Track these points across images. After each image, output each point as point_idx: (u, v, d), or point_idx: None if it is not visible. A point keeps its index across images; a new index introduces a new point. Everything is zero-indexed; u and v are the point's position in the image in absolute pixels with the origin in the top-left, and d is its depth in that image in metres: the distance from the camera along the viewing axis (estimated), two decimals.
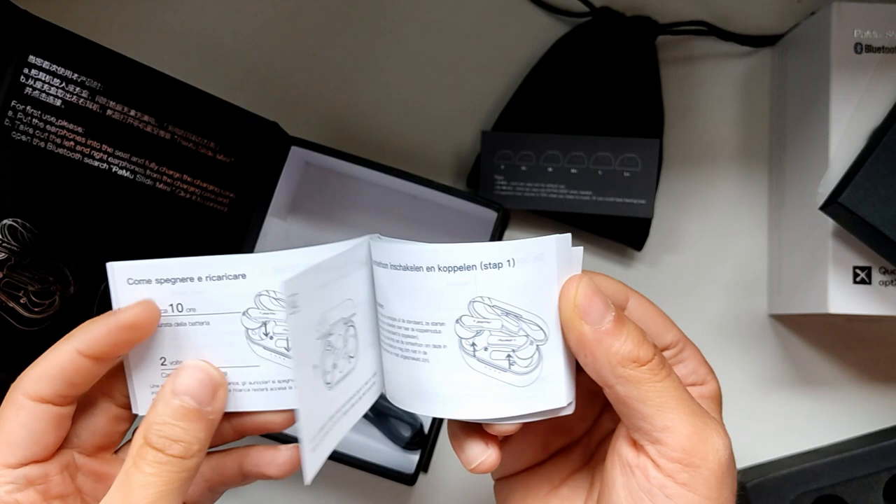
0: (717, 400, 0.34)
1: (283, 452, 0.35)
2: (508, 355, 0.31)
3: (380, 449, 0.51)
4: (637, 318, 0.33)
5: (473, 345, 0.31)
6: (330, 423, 0.31)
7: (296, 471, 0.35)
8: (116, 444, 0.35)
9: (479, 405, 0.31)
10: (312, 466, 0.30)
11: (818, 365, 0.54)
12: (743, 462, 0.53)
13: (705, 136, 0.55)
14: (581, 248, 0.31)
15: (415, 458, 0.50)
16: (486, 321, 0.30)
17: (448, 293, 0.30)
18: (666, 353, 0.33)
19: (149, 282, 0.32)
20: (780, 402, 0.54)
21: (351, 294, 0.33)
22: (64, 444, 0.33)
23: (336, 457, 0.48)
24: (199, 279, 0.32)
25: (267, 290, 0.32)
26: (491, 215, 0.48)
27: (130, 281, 0.32)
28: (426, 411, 0.32)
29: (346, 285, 0.32)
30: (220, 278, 0.32)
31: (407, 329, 0.32)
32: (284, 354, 0.33)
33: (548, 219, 0.54)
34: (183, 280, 0.32)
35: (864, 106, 0.45)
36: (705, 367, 0.34)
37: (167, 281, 0.32)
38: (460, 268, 0.30)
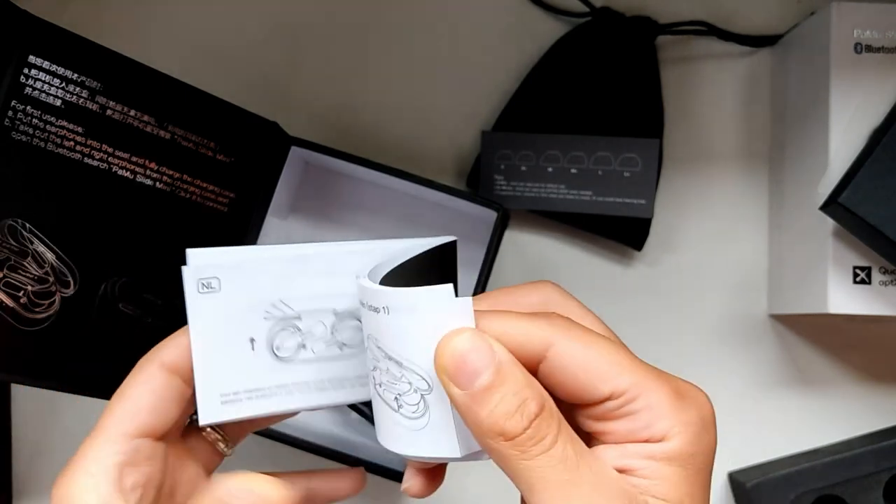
0: (679, 459, 0.28)
1: (349, 475, 0.36)
2: (396, 397, 0.30)
3: (380, 449, 0.51)
4: (558, 367, 0.28)
5: (373, 378, 0.31)
6: (268, 391, 0.34)
7: (361, 490, 0.37)
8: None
9: (386, 436, 0.31)
10: (211, 414, 0.32)
11: (818, 365, 0.54)
12: (743, 462, 0.54)
13: (705, 136, 0.55)
14: (469, 299, 0.28)
15: None
16: (377, 360, 0.30)
17: (363, 319, 0.31)
18: (605, 406, 0.28)
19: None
20: (780, 402, 0.54)
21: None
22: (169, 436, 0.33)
23: (336, 457, 0.48)
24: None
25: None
26: (491, 215, 0.48)
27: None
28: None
29: (345, 282, 0.34)
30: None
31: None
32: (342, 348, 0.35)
33: (548, 219, 0.54)
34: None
35: (864, 106, 0.45)
36: (670, 419, 0.28)
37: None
38: (360, 301, 0.30)
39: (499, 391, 0.27)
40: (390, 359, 0.29)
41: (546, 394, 0.28)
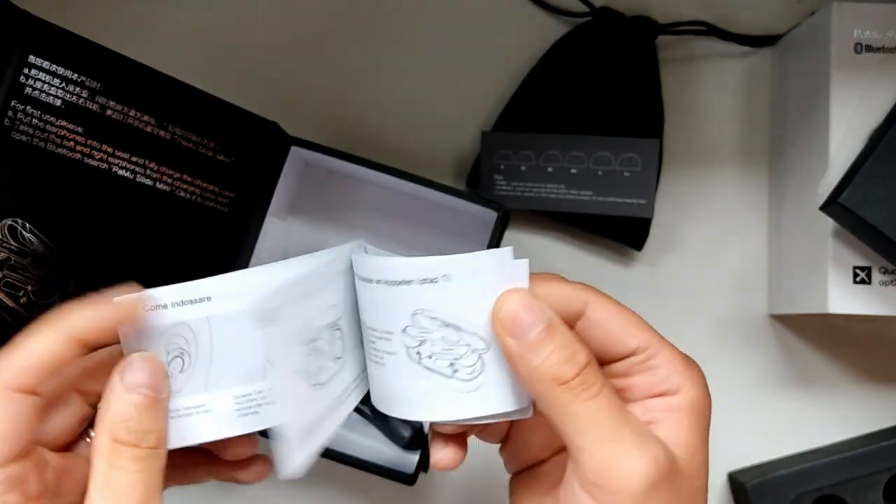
0: (694, 411, 0.32)
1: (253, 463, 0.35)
2: (451, 363, 0.32)
3: (380, 449, 0.51)
4: (594, 323, 0.32)
5: (419, 353, 0.32)
6: (317, 422, 0.32)
7: (265, 477, 0.36)
8: (76, 442, 0.34)
9: (430, 408, 0.33)
10: (299, 461, 0.31)
11: (818, 365, 0.54)
12: (743, 462, 0.53)
13: (705, 136, 0.55)
14: (525, 261, 0.31)
15: (415, 458, 0.50)
16: (428, 332, 0.32)
17: (394, 305, 0.32)
18: (630, 361, 0.32)
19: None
20: (780, 402, 0.54)
21: (335, 300, 0.34)
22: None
23: (336, 457, 0.48)
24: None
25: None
26: (491, 215, 0.48)
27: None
28: (390, 412, 0.34)
29: (330, 292, 0.33)
30: None
31: (370, 335, 0.34)
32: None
33: (548, 219, 0.54)
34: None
35: (864, 106, 0.45)
36: (682, 374, 0.32)
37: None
38: (400, 282, 0.31)
39: (551, 342, 0.30)
40: (448, 325, 0.31)
41: (589, 351, 0.31)
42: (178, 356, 0.32)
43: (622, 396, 0.32)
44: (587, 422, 0.30)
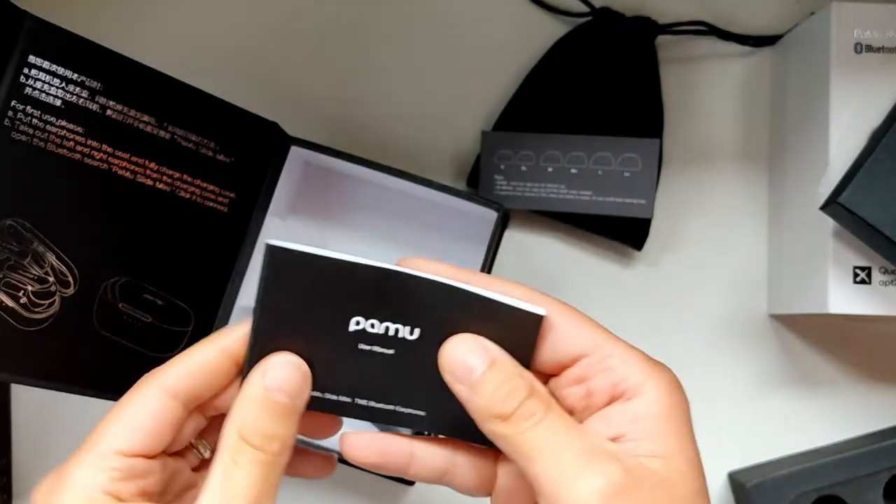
0: (661, 415, 0.30)
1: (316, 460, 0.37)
2: None
3: None
4: (549, 322, 0.32)
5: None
6: None
7: (326, 475, 0.37)
8: (188, 448, 0.35)
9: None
10: None
11: (818, 365, 0.54)
12: (743, 462, 0.53)
13: (705, 136, 0.55)
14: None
15: None
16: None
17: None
18: (586, 362, 0.31)
19: None
20: (780, 402, 0.54)
21: None
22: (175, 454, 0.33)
23: (336, 456, 0.48)
24: None
25: None
26: (491, 215, 0.48)
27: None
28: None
29: None
30: None
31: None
32: None
33: (548, 219, 0.54)
34: None
35: (864, 106, 0.45)
36: (642, 373, 0.30)
37: None
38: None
39: (491, 381, 0.30)
40: None
41: (535, 380, 0.31)
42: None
43: (586, 405, 0.31)
44: (534, 451, 0.29)
